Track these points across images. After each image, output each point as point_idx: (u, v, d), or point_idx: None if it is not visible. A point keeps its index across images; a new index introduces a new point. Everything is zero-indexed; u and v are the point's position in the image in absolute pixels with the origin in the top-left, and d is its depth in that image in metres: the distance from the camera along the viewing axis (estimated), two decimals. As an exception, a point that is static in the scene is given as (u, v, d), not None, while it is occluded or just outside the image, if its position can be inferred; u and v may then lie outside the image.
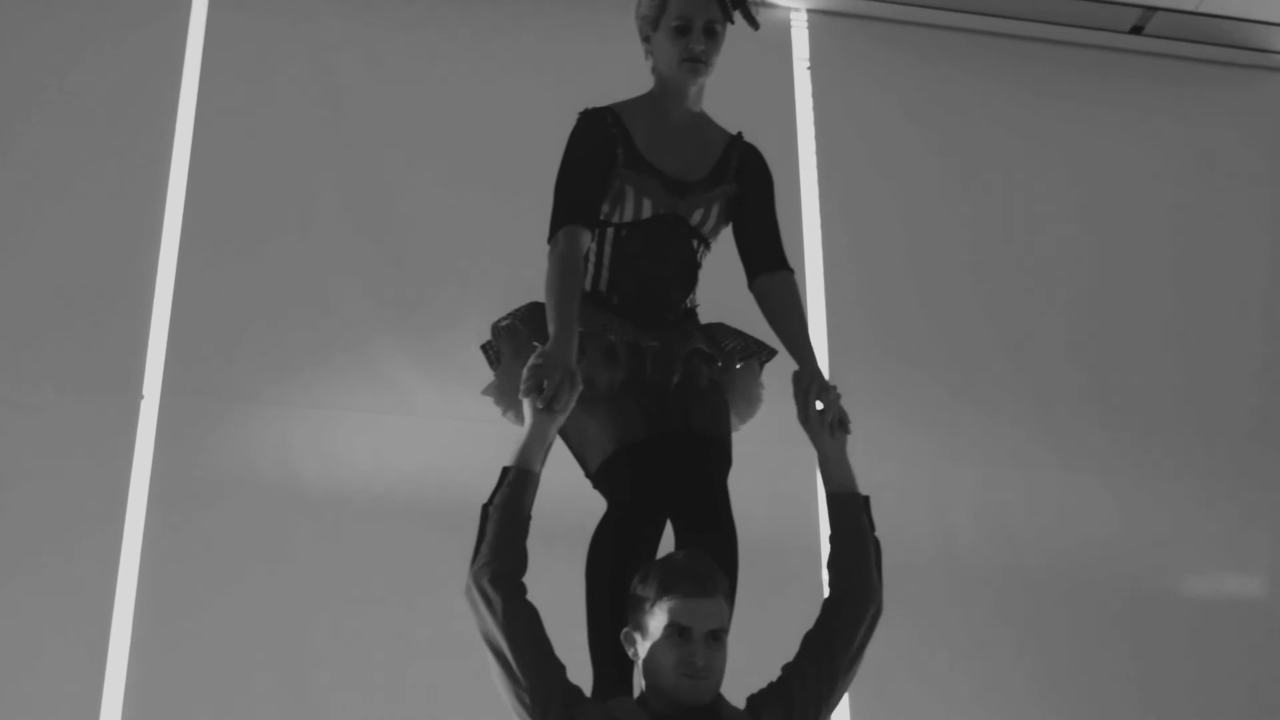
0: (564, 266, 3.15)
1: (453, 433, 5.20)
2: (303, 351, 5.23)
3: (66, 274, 5.15)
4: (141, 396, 5.06)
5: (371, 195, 5.48)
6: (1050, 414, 5.83)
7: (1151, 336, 6.05)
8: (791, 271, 3.43)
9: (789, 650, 4.95)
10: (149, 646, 4.78)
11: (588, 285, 3.31)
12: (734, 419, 3.41)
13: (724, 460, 3.26)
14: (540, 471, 3.02)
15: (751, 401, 3.44)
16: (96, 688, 4.72)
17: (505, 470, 3.01)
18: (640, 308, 3.29)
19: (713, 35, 3.34)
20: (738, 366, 3.37)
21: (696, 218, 3.34)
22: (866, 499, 3.15)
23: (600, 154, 3.30)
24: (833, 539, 3.12)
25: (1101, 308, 6.05)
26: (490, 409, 5.14)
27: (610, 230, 3.31)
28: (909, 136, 6.09)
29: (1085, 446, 5.81)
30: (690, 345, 3.26)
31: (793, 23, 6.18)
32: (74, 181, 5.28)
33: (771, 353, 3.45)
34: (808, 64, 6.13)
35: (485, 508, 2.99)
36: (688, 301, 3.39)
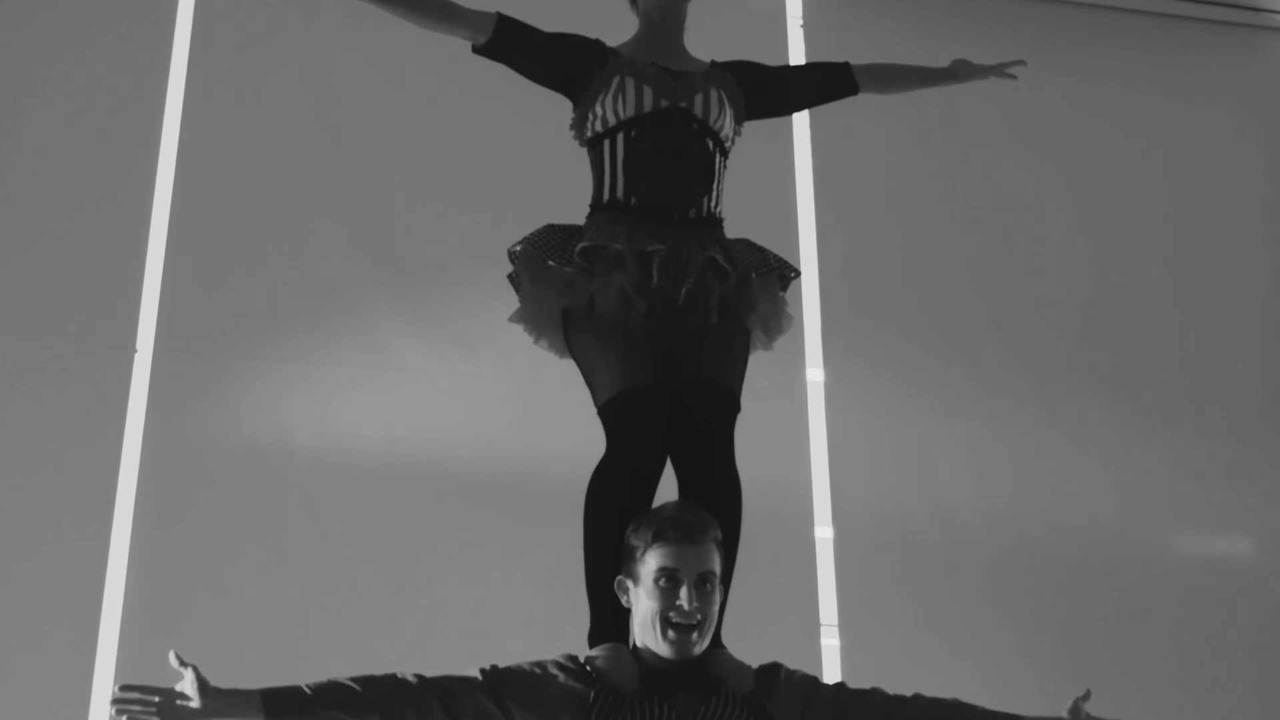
0: None
1: (444, 388, 5.23)
2: (295, 309, 5.24)
3: (61, 228, 5.15)
4: (135, 351, 5.07)
5: (363, 154, 5.48)
6: (1041, 381, 5.85)
7: (1143, 302, 6.06)
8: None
9: (778, 599, 5.09)
10: (142, 599, 4.80)
11: (604, 195, 3.32)
12: (761, 340, 3.38)
13: (729, 408, 3.21)
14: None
15: (775, 321, 3.39)
16: (91, 638, 4.74)
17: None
18: (658, 206, 3.27)
19: None
20: (754, 277, 3.31)
21: (698, 104, 3.32)
22: None
23: (573, 37, 3.40)
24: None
25: (1092, 274, 6.06)
26: (479, 365, 5.23)
27: (620, 135, 3.30)
28: (901, 106, 6.05)
29: (1075, 412, 5.84)
30: (705, 255, 3.23)
31: (787, -15, 6.17)
32: (70, 139, 5.27)
33: (795, 272, 3.43)
34: (800, 21, 6.10)
35: None
36: (709, 203, 3.34)
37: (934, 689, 3.07)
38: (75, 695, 4.65)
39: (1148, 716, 5.38)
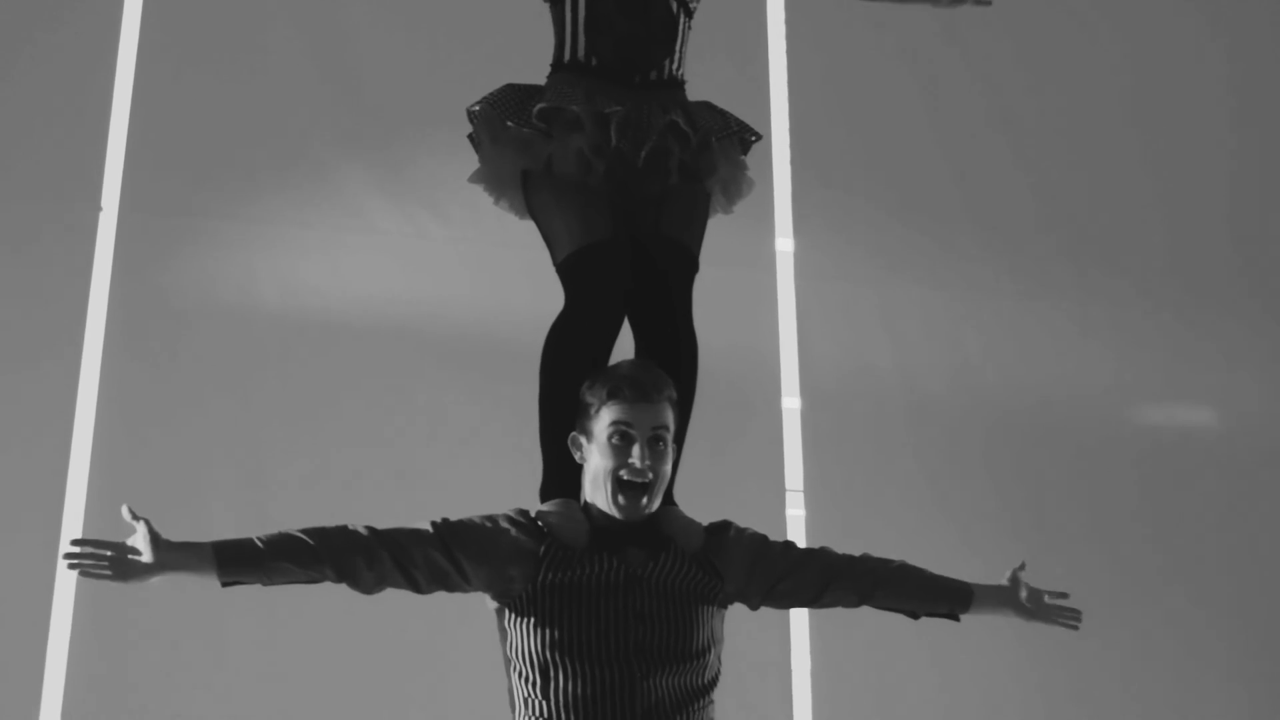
0: None
1: (411, 251, 5.22)
2: (262, 169, 5.21)
3: (24, 84, 5.08)
4: (100, 209, 5.04)
5: (331, 14, 5.41)
6: (1013, 250, 5.85)
7: (1114, 173, 6.04)
8: None
9: (745, 468, 5.13)
10: (108, 459, 4.82)
11: (565, 56, 3.28)
12: (721, 204, 3.36)
13: (687, 267, 3.21)
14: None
15: (735, 185, 3.37)
16: (57, 502, 4.76)
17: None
18: (619, 67, 3.23)
19: None
20: (715, 141, 3.28)
21: None
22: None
23: None
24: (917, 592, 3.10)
25: (1065, 144, 6.03)
26: (447, 228, 5.21)
27: None
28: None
29: (1046, 282, 5.85)
30: (665, 118, 3.21)
31: None
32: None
33: (756, 136, 3.41)
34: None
35: None
36: (671, 65, 3.30)
37: (899, 557, 3.10)
38: (43, 563, 4.66)
39: (1114, 585, 5.48)
